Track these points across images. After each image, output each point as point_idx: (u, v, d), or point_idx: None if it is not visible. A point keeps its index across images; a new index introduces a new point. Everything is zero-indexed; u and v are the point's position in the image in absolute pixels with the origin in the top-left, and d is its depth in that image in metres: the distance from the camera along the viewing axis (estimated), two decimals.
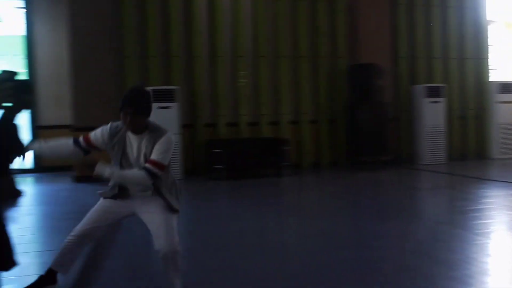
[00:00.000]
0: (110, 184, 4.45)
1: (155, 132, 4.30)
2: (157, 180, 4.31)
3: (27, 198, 9.93)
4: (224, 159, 11.40)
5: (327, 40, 13.25)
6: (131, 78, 11.82)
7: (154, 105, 11.39)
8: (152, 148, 4.23)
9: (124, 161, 4.31)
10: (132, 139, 4.34)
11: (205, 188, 10.81)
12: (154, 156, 4.21)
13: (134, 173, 4.21)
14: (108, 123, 4.52)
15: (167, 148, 4.27)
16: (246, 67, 12.64)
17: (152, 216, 4.35)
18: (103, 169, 4.19)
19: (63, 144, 4.40)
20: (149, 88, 11.45)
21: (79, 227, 4.55)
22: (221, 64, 12.42)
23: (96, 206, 4.57)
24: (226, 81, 12.49)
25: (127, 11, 11.83)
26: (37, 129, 13.27)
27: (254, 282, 5.07)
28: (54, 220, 7.98)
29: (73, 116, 11.61)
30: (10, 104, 2.44)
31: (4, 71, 2.49)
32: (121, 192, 4.42)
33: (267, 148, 12.08)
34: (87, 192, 9.67)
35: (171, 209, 4.36)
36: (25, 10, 13.10)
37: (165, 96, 11.48)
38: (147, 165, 4.18)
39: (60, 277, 4.68)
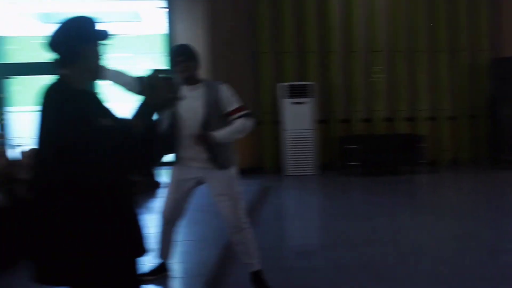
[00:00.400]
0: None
1: (211, 84, 4.59)
2: (214, 147, 4.47)
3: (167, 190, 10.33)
4: (359, 155, 11.27)
5: (467, 33, 12.71)
6: (266, 74, 11.99)
7: (289, 101, 11.70)
8: (216, 99, 4.46)
9: (175, 113, 4.47)
10: (186, 91, 4.45)
11: (339, 184, 10.75)
12: (234, 105, 4.53)
13: (239, 126, 4.51)
14: None
15: (233, 92, 4.57)
16: (382, 62, 12.41)
17: (215, 190, 4.62)
18: (218, 134, 4.42)
19: (127, 75, 4.44)
20: (284, 84, 11.61)
21: (163, 211, 4.89)
22: (356, 59, 12.28)
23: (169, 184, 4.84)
24: (361, 76, 12.33)
25: (262, 7, 12.00)
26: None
27: (386, 282, 4.99)
28: (192, 211, 8.24)
29: None
30: (160, 102, 2.54)
31: (156, 70, 2.60)
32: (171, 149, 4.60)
33: (403, 144, 11.81)
34: None
35: (223, 167, 4.53)
36: (167, 10, 13.63)
37: (300, 92, 11.54)
38: (239, 113, 4.51)
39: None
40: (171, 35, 13.59)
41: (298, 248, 6.39)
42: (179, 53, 4.56)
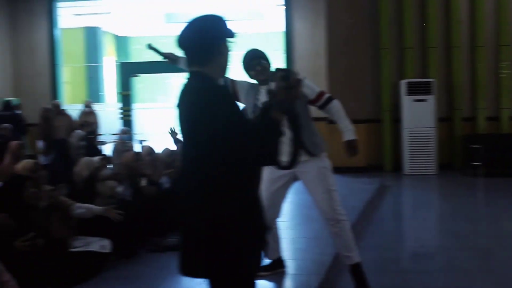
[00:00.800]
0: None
1: None
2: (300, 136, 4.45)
3: None
4: (483, 155, 10.79)
5: None
6: (386, 70, 11.78)
7: (410, 98, 11.43)
8: None
9: (256, 112, 4.54)
10: (263, 92, 4.62)
11: (461, 185, 10.36)
12: (315, 92, 4.61)
13: (339, 110, 4.66)
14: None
15: (310, 81, 4.67)
16: (510, 57, 11.81)
17: (309, 183, 4.62)
18: (348, 134, 4.60)
19: None
20: (404, 81, 11.36)
21: None
22: (481, 54, 11.75)
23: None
24: (487, 72, 11.78)
25: (384, 2, 11.78)
26: None
27: None
28: (308, 208, 8.24)
29: None
30: (291, 100, 2.60)
31: (289, 70, 2.67)
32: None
33: None
34: (341, 184, 9.86)
35: (313, 155, 4.54)
36: (285, 7, 13.71)
37: (421, 89, 11.26)
38: (325, 96, 4.62)
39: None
40: (289, 33, 13.67)
41: (415, 249, 6.24)
42: (253, 57, 4.64)
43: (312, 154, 4.53)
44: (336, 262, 5.46)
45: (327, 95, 4.66)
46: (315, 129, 4.67)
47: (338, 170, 10.70)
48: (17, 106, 13.08)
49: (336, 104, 4.66)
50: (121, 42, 21.18)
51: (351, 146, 4.61)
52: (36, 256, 4.55)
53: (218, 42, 2.63)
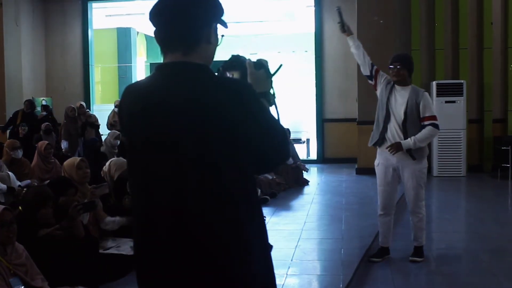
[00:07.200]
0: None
1: (416, 90, 5.36)
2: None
3: (312, 187, 10.43)
4: None
5: None
6: (417, 72, 11.64)
7: (440, 99, 11.31)
8: (415, 103, 5.24)
9: (388, 106, 5.36)
10: (397, 90, 5.38)
11: (491, 187, 10.27)
12: (429, 113, 5.26)
13: (426, 133, 5.20)
14: None
15: (431, 102, 5.36)
16: None
17: (405, 179, 5.35)
18: (406, 142, 5.22)
19: (365, 56, 5.73)
20: (435, 82, 11.30)
21: (379, 202, 5.60)
22: None
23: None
24: None
25: (415, 3, 11.72)
26: (324, 122, 13.86)
27: None
28: (334, 209, 8.28)
29: (358, 110, 11.88)
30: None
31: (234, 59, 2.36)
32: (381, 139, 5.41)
33: None
34: (368, 185, 9.84)
35: (414, 158, 5.25)
36: (315, 8, 13.74)
37: (452, 90, 11.17)
38: (430, 121, 5.21)
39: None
40: (319, 34, 13.70)
41: (442, 251, 6.21)
42: (396, 59, 5.44)
43: (413, 157, 5.24)
44: (363, 263, 5.49)
45: (430, 122, 5.23)
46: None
47: (369, 171, 10.71)
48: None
49: (432, 130, 5.22)
50: (153, 43, 21.35)
51: (394, 145, 5.22)
52: (67, 255, 4.60)
53: (209, 26, 2.02)
